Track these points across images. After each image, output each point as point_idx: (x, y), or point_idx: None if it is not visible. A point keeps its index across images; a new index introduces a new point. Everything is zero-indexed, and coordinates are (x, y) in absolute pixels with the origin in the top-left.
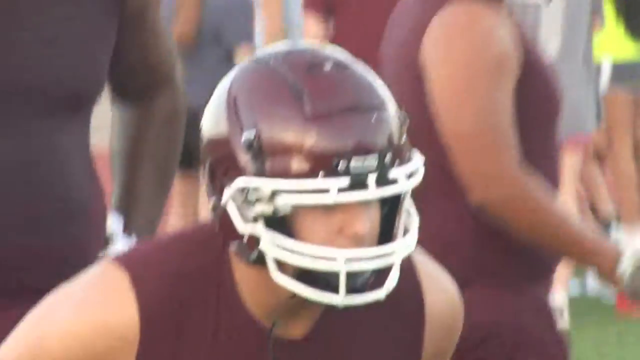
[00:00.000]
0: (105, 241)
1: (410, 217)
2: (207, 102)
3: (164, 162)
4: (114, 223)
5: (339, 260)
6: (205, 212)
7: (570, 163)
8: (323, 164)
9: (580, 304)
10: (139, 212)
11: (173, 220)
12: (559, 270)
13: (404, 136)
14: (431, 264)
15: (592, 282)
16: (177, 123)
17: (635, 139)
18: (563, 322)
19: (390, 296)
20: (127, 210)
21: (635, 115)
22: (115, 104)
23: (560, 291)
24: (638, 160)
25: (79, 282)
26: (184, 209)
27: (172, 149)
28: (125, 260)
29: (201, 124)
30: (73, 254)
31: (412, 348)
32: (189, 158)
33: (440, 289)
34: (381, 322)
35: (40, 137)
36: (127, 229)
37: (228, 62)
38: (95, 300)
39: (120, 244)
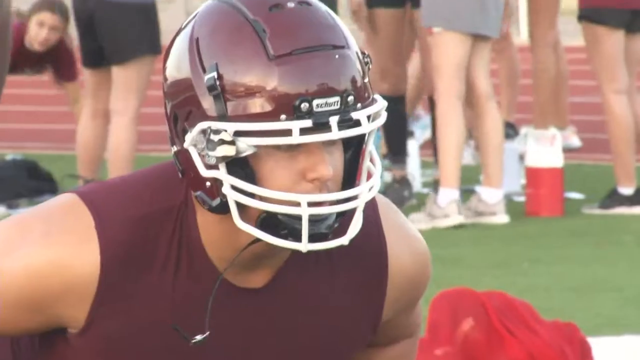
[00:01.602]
0: None
1: (374, 162)
2: None
3: None
4: None
5: (302, 204)
6: (115, 103)
7: None
8: (285, 105)
9: None
10: None
11: (85, 116)
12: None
13: (367, 78)
14: (399, 220)
15: None
16: (4, 33)
17: None
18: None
19: (353, 249)
20: None
21: None
22: None
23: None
24: None
25: (43, 215)
26: (94, 101)
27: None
28: (92, 201)
29: (164, 66)
30: None
31: (373, 301)
32: (100, 53)
33: (406, 244)
34: (343, 275)
35: None
36: None
37: None
38: (59, 240)
39: None
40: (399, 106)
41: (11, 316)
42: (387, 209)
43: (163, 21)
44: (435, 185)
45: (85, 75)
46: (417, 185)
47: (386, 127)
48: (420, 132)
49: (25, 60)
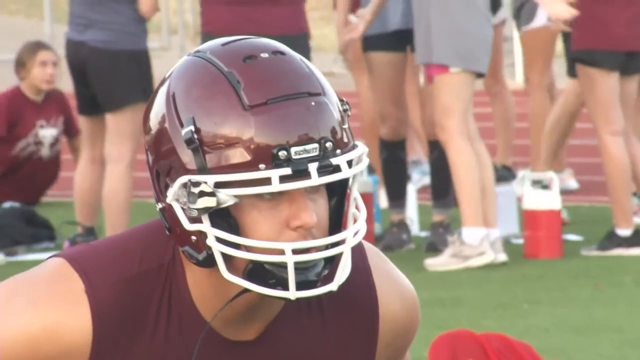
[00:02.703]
0: None
1: (359, 208)
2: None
3: None
4: None
5: (286, 251)
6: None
7: None
8: (263, 154)
9: None
10: None
11: (83, 162)
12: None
13: (346, 124)
14: (387, 267)
15: None
16: None
17: None
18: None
19: (344, 297)
20: None
21: None
22: None
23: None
24: None
25: (32, 280)
26: (91, 148)
27: None
28: (80, 264)
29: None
30: None
31: (365, 348)
32: (93, 102)
33: (396, 292)
34: (334, 324)
35: None
36: None
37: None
38: (49, 306)
39: None
40: (398, 151)
41: None
42: (376, 257)
43: (158, 68)
44: (433, 227)
45: (81, 122)
46: (414, 229)
47: (385, 171)
48: (418, 177)
49: (34, 113)
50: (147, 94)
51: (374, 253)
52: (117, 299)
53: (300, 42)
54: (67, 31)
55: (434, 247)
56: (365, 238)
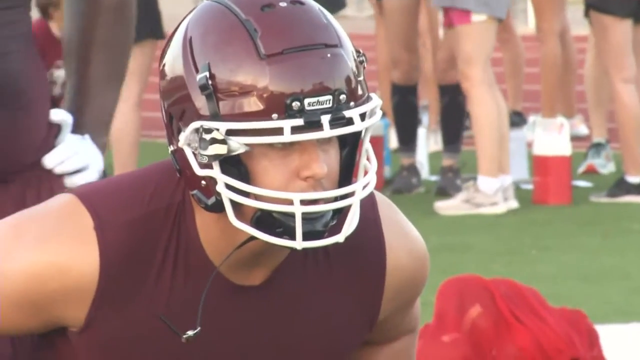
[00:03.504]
0: (56, 131)
1: (370, 160)
2: None
3: (115, 51)
4: (62, 115)
5: (295, 202)
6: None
7: None
8: (276, 104)
9: None
10: (91, 110)
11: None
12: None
13: (362, 76)
14: (398, 219)
15: None
16: (127, 10)
17: None
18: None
19: (351, 246)
20: (78, 108)
21: None
22: None
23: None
24: None
25: (41, 216)
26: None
27: (123, 38)
28: (90, 202)
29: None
30: (8, 138)
31: (370, 299)
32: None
33: (405, 244)
34: (340, 273)
35: None
36: (80, 129)
37: None
38: (58, 241)
39: (70, 139)
40: (410, 95)
41: (12, 317)
42: (387, 209)
43: (171, 9)
44: (443, 172)
45: None
46: (424, 173)
47: (397, 115)
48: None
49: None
50: (153, 31)
51: (385, 204)
52: (125, 238)
53: None
54: None
55: (444, 191)
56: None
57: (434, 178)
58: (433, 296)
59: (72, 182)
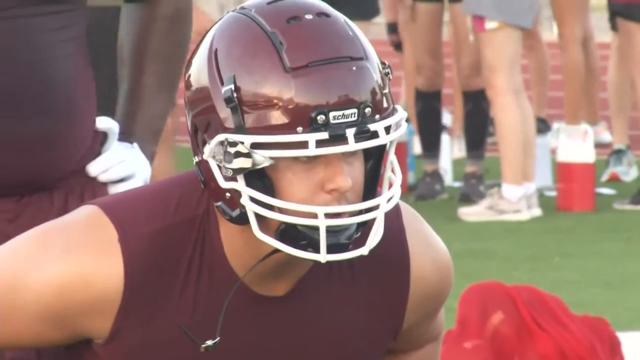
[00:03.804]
0: (103, 139)
1: (395, 172)
2: None
3: (168, 61)
4: (108, 123)
5: (319, 215)
6: None
7: None
8: (302, 117)
9: None
10: (142, 118)
11: None
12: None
13: (387, 88)
14: (423, 229)
15: None
16: (183, 21)
17: None
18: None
19: (375, 257)
20: (129, 115)
21: None
22: (124, 2)
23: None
24: None
25: (66, 228)
26: None
27: (178, 48)
28: (114, 213)
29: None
30: (53, 145)
31: (395, 309)
32: None
33: (429, 254)
34: (364, 283)
35: (21, 18)
36: (129, 137)
37: None
38: (83, 253)
39: (116, 147)
40: (433, 101)
41: (36, 329)
42: (412, 218)
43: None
44: (466, 178)
45: None
46: (448, 179)
47: (420, 121)
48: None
49: None
50: None
51: (409, 214)
52: (149, 250)
53: None
54: None
55: (467, 198)
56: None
57: (457, 184)
58: (455, 302)
59: (116, 190)
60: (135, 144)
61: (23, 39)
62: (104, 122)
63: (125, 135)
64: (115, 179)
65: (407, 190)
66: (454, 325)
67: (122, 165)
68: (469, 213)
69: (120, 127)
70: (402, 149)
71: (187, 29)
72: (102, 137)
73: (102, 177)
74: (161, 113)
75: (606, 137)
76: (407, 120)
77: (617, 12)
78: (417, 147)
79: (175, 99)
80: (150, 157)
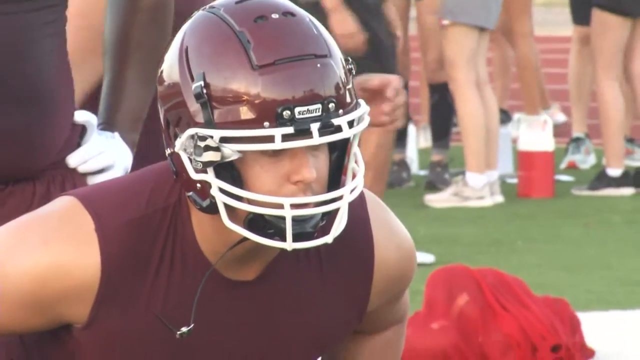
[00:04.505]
0: (81, 131)
1: (358, 163)
2: None
3: (150, 51)
4: (86, 115)
5: (285, 206)
6: None
7: None
8: (268, 113)
9: None
10: (124, 108)
11: None
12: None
13: (350, 84)
14: (386, 217)
15: None
16: (164, 13)
17: None
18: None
19: (341, 243)
20: (112, 105)
21: None
22: None
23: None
24: None
25: (43, 219)
26: None
27: (159, 39)
28: (91, 204)
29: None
30: (35, 136)
31: (359, 292)
32: None
33: (392, 241)
34: (331, 267)
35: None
36: (111, 126)
37: None
38: (61, 243)
39: (95, 139)
40: None
41: (18, 316)
42: (376, 206)
43: None
44: (432, 167)
45: None
46: (414, 167)
47: None
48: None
49: None
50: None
51: (373, 202)
52: (124, 238)
53: None
54: None
55: (433, 185)
56: None
57: (423, 173)
58: (423, 285)
59: (96, 181)
60: (116, 134)
61: (15, 34)
62: (82, 115)
63: (107, 126)
64: (94, 169)
65: None
66: (421, 307)
67: (101, 156)
68: (435, 200)
69: (102, 117)
70: None
71: (168, 21)
72: (80, 130)
73: (81, 169)
74: (143, 103)
75: (560, 117)
76: None
77: (599, 4)
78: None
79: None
80: (132, 144)
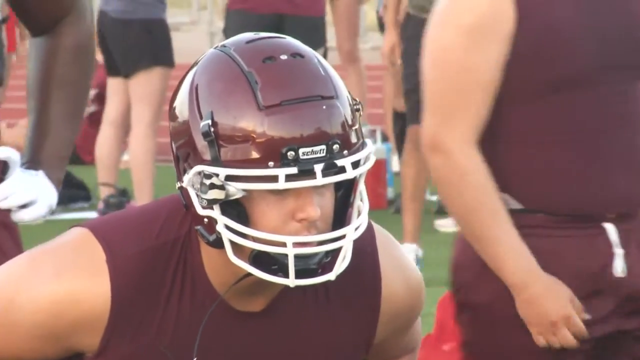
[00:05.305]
0: (3, 168)
1: (362, 203)
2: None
3: (73, 88)
4: (7, 152)
5: (288, 244)
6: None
7: None
8: (273, 153)
9: None
10: (48, 147)
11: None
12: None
13: (357, 124)
14: (395, 251)
15: None
16: (85, 52)
17: None
18: None
19: (349, 277)
20: (36, 145)
21: None
22: (30, 38)
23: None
24: None
25: (56, 250)
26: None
27: (82, 77)
28: (102, 235)
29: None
30: None
31: (366, 328)
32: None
33: (400, 275)
34: (338, 301)
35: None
36: (35, 165)
37: None
38: (73, 274)
39: (17, 175)
40: None
41: (31, 346)
42: (385, 241)
43: (188, 41)
44: None
45: (107, 84)
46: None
47: (399, 141)
48: None
49: None
50: (159, 59)
51: (382, 236)
52: (135, 270)
53: (322, 22)
54: (100, 2)
55: (443, 210)
56: (378, 201)
57: (434, 198)
58: (434, 308)
59: (18, 216)
60: (40, 172)
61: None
62: (3, 152)
63: (32, 164)
64: (15, 205)
65: (387, 205)
66: (432, 329)
67: (23, 192)
68: (445, 225)
69: (27, 156)
70: (381, 166)
71: (90, 59)
72: (2, 166)
73: (3, 204)
74: (67, 140)
75: None
76: (387, 139)
77: None
78: (395, 165)
79: (80, 126)
80: (57, 182)
